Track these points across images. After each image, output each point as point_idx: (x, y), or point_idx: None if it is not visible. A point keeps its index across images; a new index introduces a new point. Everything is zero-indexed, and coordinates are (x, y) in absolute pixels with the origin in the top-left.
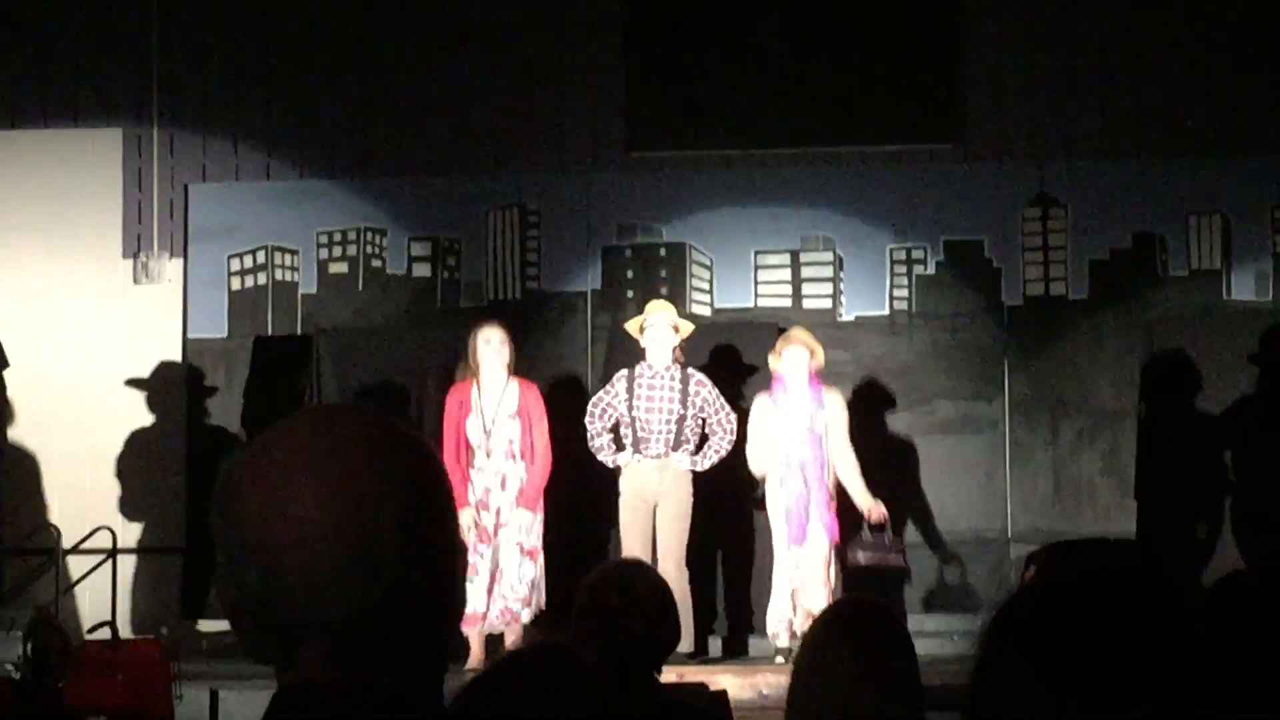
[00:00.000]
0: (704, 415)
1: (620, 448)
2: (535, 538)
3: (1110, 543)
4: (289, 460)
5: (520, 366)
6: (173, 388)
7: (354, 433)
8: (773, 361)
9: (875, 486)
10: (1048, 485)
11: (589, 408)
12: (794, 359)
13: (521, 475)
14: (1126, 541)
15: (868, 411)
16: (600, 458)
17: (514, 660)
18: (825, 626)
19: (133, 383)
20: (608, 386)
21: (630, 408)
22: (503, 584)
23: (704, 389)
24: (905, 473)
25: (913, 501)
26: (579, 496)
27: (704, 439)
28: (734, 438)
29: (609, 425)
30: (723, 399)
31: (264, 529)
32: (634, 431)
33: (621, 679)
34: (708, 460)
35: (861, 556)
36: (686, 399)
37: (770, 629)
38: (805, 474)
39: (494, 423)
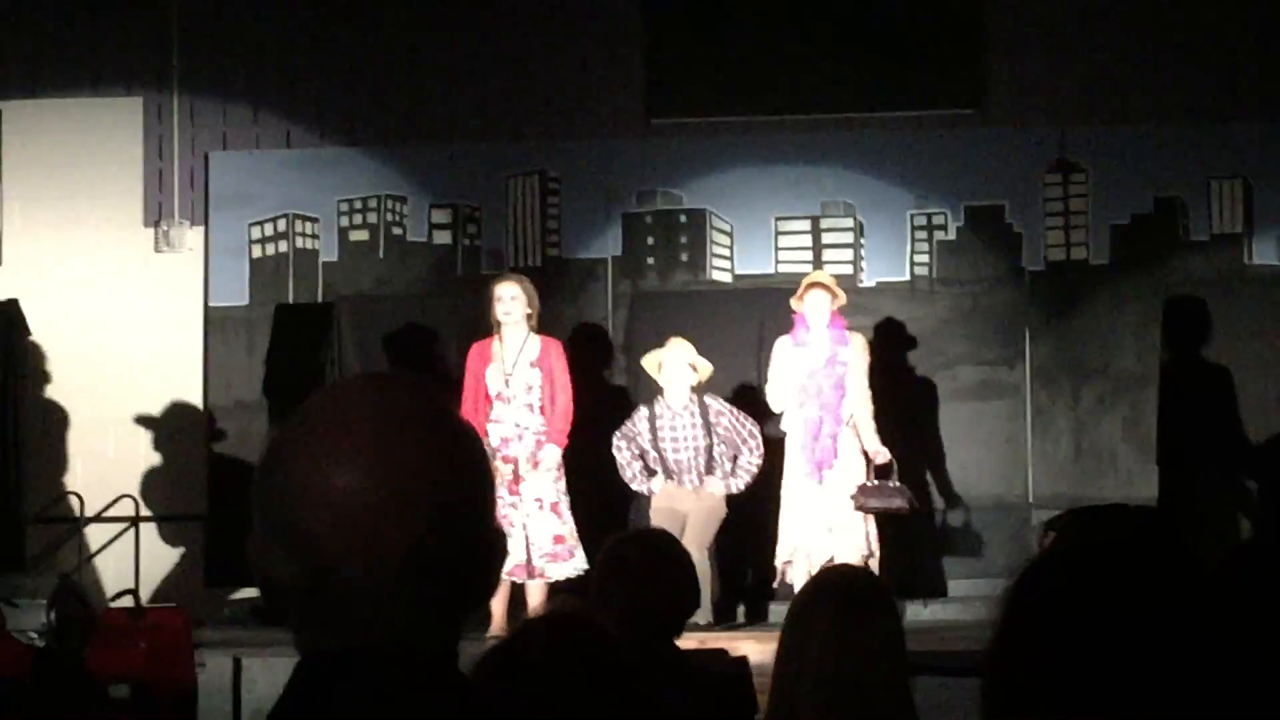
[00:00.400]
0: (729, 437)
1: (652, 474)
2: (556, 493)
3: (1129, 508)
4: (330, 428)
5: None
6: (194, 356)
7: (395, 403)
8: (795, 304)
9: (895, 443)
10: (1069, 450)
11: (616, 440)
12: (816, 300)
13: (540, 426)
14: (1145, 508)
15: (890, 375)
16: (635, 487)
17: (533, 629)
18: (808, 593)
19: (154, 351)
20: (631, 421)
21: (655, 445)
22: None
23: (724, 416)
24: (926, 435)
25: (934, 465)
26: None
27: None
28: (761, 450)
29: (637, 454)
30: (741, 416)
31: (301, 493)
32: (664, 465)
33: (641, 644)
34: (740, 482)
35: (866, 501)
36: (710, 429)
37: (781, 560)
38: (823, 405)
39: (514, 368)
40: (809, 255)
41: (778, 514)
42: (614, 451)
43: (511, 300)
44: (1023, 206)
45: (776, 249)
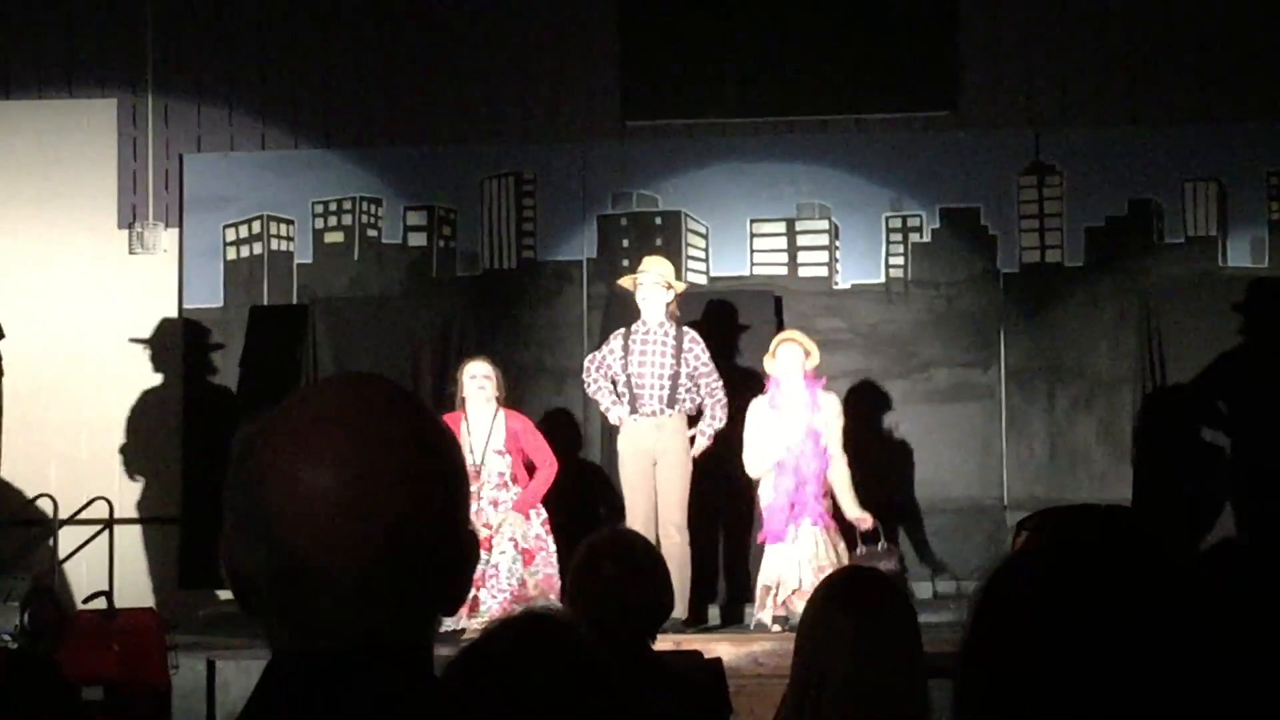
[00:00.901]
0: (696, 375)
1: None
2: (531, 539)
3: (1099, 508)
4: (307, 426)
5: (516, 339)
6: (169, 358)
7: (369, 404)
8: (767, 363)
9: (872, 445)
10: (1044, 452)
11: (585, 364)
12: (788, 358)
13: (513, 497)
14: (1117, 507)
15: (865, 381)
16: (601, 407)
17: (506, 628)
18: (824, 597)
19: (129, 353)
20: (604, 344)
21: (625, 365)
22: (493, 581)
23: (697, 346)
24: (898, 441)
25: (907, 468)
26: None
27: (700, 412)
28: (725, 404)
29: (606, 378)
30: (713, 365)
31: (275, 491)
32: (630, 389)
33: (616, 646)
34: (706, 437)
35: None
36: (680, 356)
37: (762, 584)
38: (800, 471)
39: (483, 459)
40: (784, 257)
41: (754, 517)
42: (583, 376)
43: (485, 379)
44: (998, 208)
45: (752, 251)
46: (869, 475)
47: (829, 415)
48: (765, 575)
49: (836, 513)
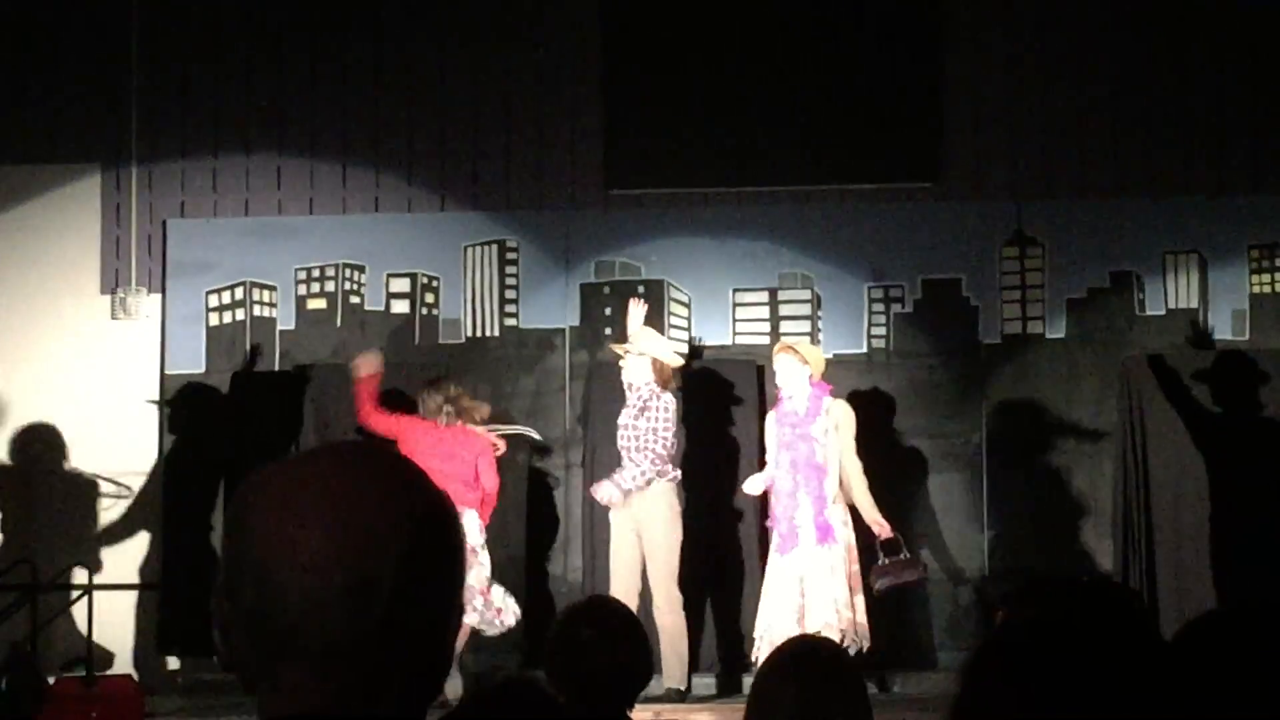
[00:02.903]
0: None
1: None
2: (473, 536)
3: (1079, 582)
4: (302, 488)
5: (498, 404)
6: (150, 424)
7: (369, 470)
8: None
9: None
10: (1025, 523)
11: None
12: (782, 366)
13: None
14: (1099, 580)
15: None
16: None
17: (485, 697)
18: (773, 667)
19: (110, 418)
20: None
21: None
22: None
23: (659, 411)
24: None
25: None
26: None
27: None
28: (649, 471)
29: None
30: (665, 429)
31: (267, 550)
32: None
33: (593, 715)
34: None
35: (879, 582)
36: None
37: (757, 634)
38: (795, 475)
39: (444, 463)
40: (767, 327)
41: (746, 583)
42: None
43: (450, 402)
44: (979, 280)
45: (734, 320)
46: None
47: (832, 422)
48: (759, 624)
49: (857, 521)
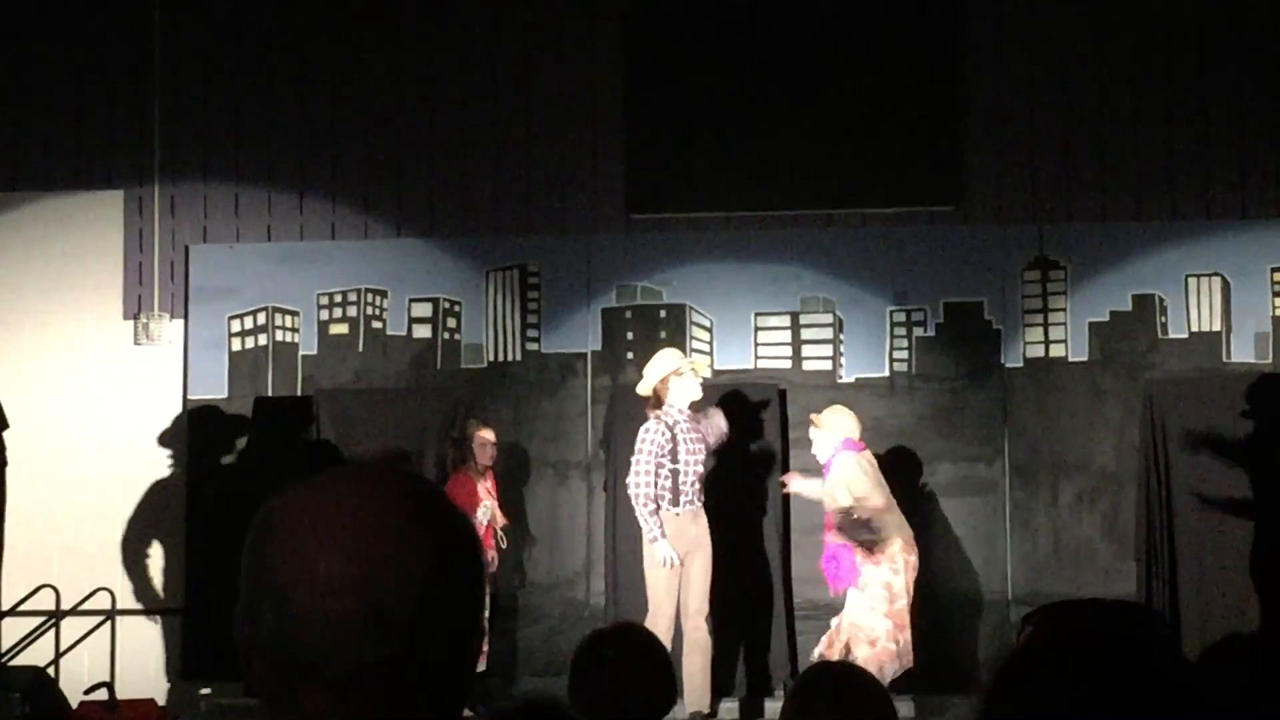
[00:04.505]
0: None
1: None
2: None
3: (1106, 602)
4: (324, 512)
5: (520, 428)
6: (173, 449)
7: (389, 493)
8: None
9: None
10: (1048, 547)
11: (638, 482)
12: (813, 439)
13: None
14: (1122, 602)
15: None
16: (648, 537)
17: (508, 718)
18: (803, 690)
19: (133, 444)
20: (647, 451)
21: (674, 458)
22: None
23: (705, 431)
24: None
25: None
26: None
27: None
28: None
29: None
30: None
31: (288, 574)
32: (674, 486)
33: None
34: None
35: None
36: (704, 441)
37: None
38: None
39: (493, 507)
40: (789, 351)
41: (772, 608)
42: (636, 491)
43: (495, 447)
44: (1002, 303)
45: (756, 344)
46: None
47: (833, 477)
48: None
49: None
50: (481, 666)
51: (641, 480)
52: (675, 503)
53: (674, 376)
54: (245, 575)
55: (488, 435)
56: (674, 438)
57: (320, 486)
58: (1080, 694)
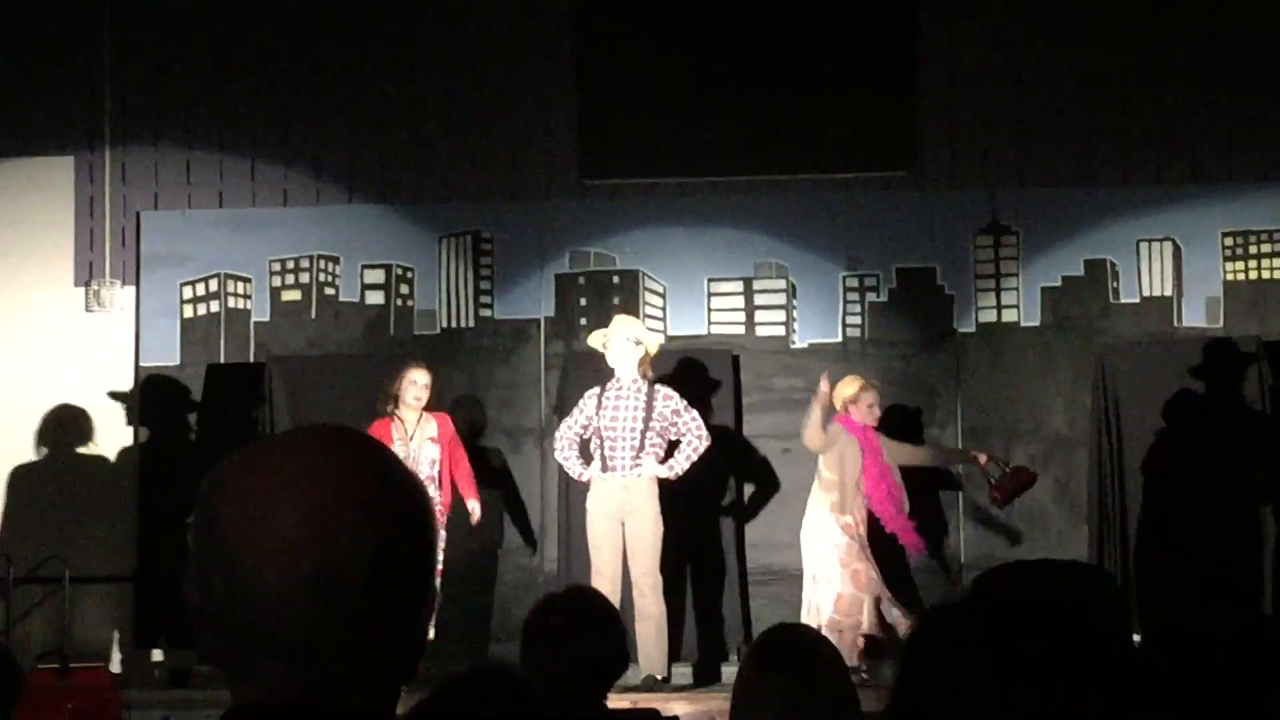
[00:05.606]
0: (673, 426)
1: (588, 462)
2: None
3: (1052, 563)
4: (272, 475)
5: (469, 395)
6: (124, 416)
7: (343, 456)
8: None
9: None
10: (1000, 512)
11: (557, 434)
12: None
13: (438, 497)
14: (1070, 562)
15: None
16: (566, 468)
17: (458, 683)
18: (756, 654)
19: (85, 411)
20: (576, 408)
21: (598, 421)
22: None
23: (671, 401)
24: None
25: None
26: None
27: (671, 450)
28: (707, 440)
29: (574, 446)
30: (690, 408)
31: (238, 539)
32: (601, 445)
33: (567, 703)
34: (679, 465)
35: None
36: (651, 412)
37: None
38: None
39: (418, 447)
40: (742, 317)
41: (725, 574)
42: (555, 443)
43: (424, 388)
44: (954, 268)
45: (709, 310)
46: None
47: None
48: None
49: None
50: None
51: (560, 427)
52: (603, 468)
53: (603, 348)
54: (194, 540)
55: (418, 375)
56: (600, 401)
57: (268, 448)
58: (992, 652)
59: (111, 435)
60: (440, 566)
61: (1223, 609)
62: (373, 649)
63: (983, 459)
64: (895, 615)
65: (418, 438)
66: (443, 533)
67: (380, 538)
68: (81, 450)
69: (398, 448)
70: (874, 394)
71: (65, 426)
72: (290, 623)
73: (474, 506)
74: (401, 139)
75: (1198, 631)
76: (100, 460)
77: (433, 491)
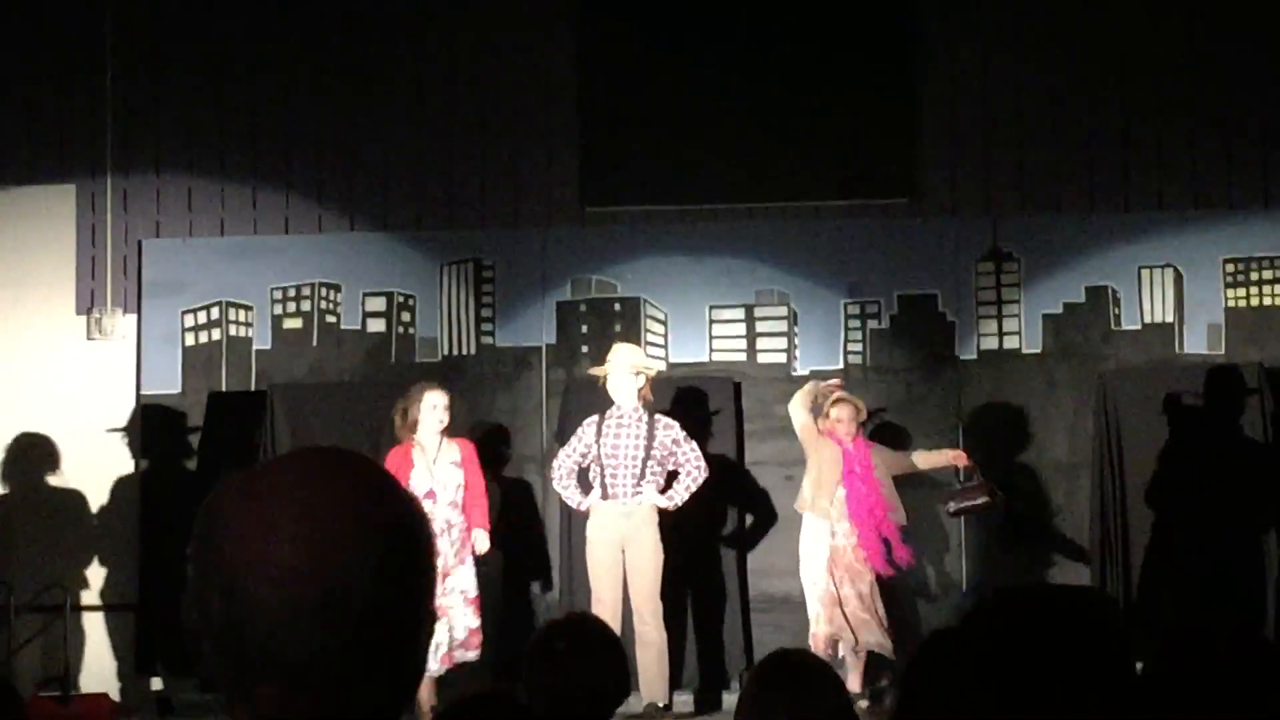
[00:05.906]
0: (673, 456)
1: (586, 491)
2: (475, 587)
3: (1054, 587)
4: (271, 498)
5: (474, 421)
6: (126, 444)
7: (341, 479)
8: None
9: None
10: (1002, 539)
11: (555, 462)
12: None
13: (462, 522)
14: (1071, 587)
15: None
16: (565, 498)
17: (460, 710)
18: (759, 679)
19: (86, 439)
20: (575, 436)
21: (598, 450)
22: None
23: (672, 430)
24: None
25: None
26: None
27: (670, 480)
28: (705, 472)
29: (573, 470)
30: (690, 439)
31: (237, 561)
32: (601, 473)
33: None
34: (679, 496)
35: (949, 504)
36: (652, 441)
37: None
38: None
39: (442, 473)
40: (743, 344)
41: (726, 601)
42: (552, 473)
43: (445, 410)
44: (956, 296)
45: (711, 337)
46: None
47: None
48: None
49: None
50: (474, 655)
51: (559, 455)
52: (604, 495)
53: (606, 377)
54: (194, 564)
55: (436, 398)
56: (600, 429)
57: (267, 472)
58: (992, 675)
59: (113, 463)
60: (476, 594)
61: (1222, 613)
62: (371, 671)
63: (964, 460)
64: (872, 642)
65: (441, 462)
66: (470, 556)
67: (378, 560)
68: (84, 479)
69: (421, 475)
70: (850, 409)
71: (66, 454)
72: (289, 645)
73: (480, 536)
74: (403, 166)
75: (1198, 632)
76: (102, 488)
77: (456, 518)
